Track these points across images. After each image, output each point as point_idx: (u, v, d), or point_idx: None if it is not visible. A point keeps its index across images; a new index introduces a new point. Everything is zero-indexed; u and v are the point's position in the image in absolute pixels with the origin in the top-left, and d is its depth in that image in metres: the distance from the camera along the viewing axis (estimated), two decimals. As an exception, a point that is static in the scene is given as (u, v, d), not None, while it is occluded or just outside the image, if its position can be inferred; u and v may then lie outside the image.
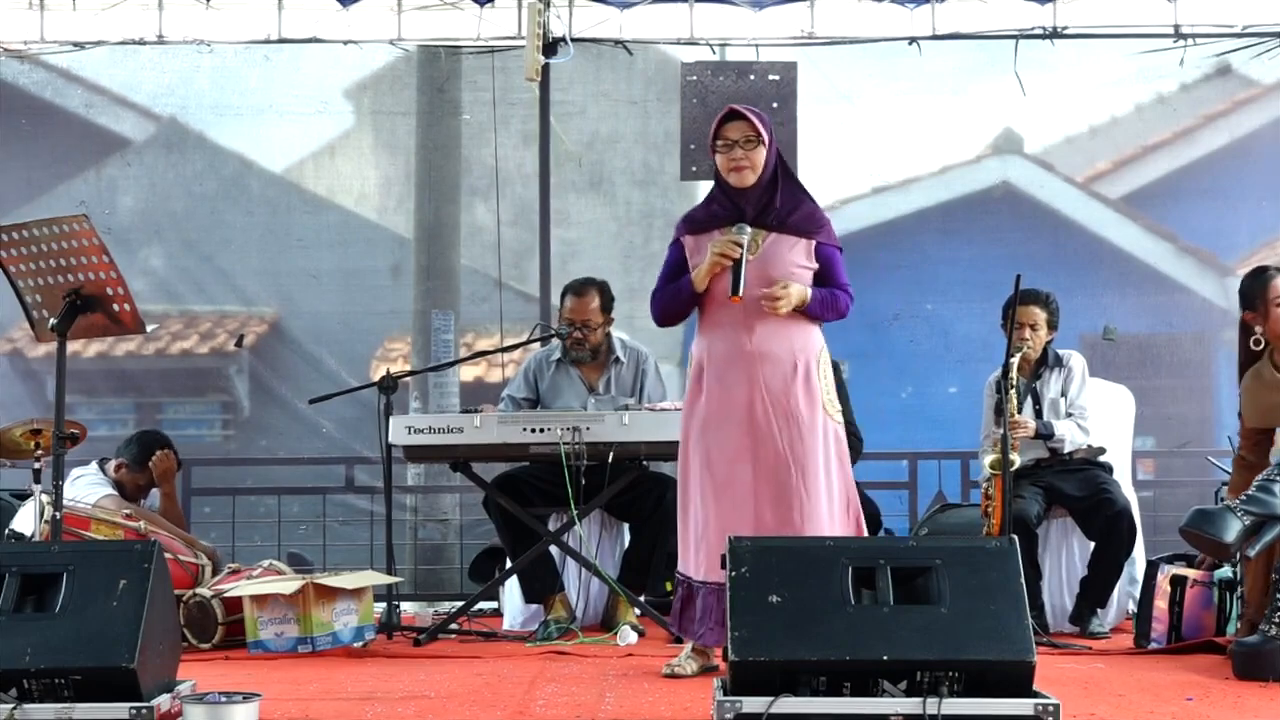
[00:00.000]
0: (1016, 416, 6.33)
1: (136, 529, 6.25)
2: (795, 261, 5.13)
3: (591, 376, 6.75)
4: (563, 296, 6.80)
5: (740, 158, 5.13)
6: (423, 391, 8.25)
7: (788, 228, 5.14)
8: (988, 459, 6.26)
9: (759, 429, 5.09)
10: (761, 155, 5.14)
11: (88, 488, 6.68)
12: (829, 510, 5.09)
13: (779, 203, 5.14)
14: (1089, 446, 6.55)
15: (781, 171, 5.21)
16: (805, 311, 5.12)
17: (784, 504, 5.05)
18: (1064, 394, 6.57)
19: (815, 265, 5.15)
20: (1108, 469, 6.59)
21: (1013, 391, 6.30)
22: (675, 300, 5.25)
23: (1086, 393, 6.60)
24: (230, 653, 5.94)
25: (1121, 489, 6.50)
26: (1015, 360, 6.38)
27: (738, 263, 5.04)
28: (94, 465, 6.83)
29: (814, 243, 5.15)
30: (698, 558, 5.19)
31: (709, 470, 5.15)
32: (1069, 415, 6.53)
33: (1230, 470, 6.11)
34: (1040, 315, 6.57)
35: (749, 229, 5.09)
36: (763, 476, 5.08)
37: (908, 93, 8.21)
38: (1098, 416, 6.65)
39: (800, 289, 5.10)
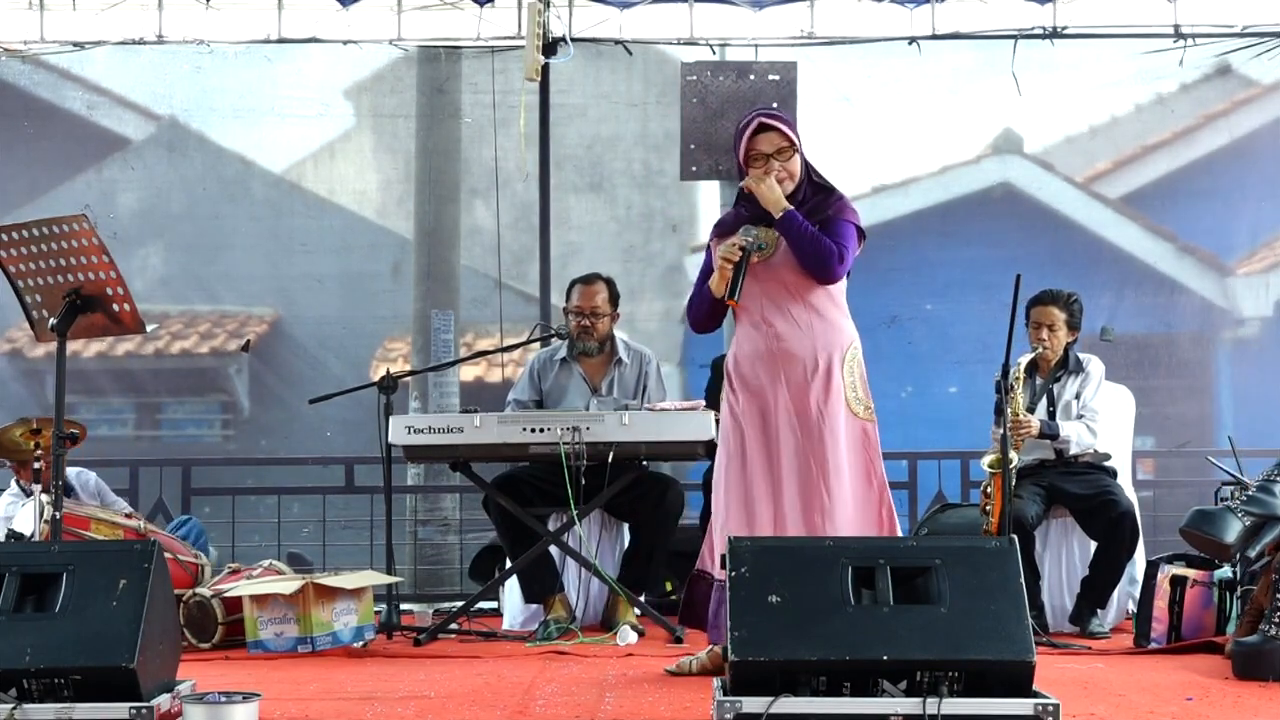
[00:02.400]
0: (1021, 415, 6.33)
1: (136, 529, 6.25)
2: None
3: (595, 377, 6.76)
4: (569, 290, 6.82)
5: (778, 170, 5.12)
6: (423, 391, 8.25)
7: (812, 218, 5.09)
8: (986, 458, 6.27)
9: (780, 429, 5.07)
10: (797, 163, 5.14)
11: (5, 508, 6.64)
12: (855, 511, 5.04)
13: (802, 197, 5.12)
14: (1095, 450, 6.54)
15: (808, 169, 5.19)
16: (783, 230, 5.02)
17: (806, 505, 5.02)
18: (1078, 397, 6.55)
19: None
20: (1111, 473, 6.59)
21: (1015, 391, 6.30)
22: (700, 306, 5.25)
23: (1101, 398, 6.59)
24: (230, 653, 5.94)
25: (1125, 492, 6.49)
26: (1023, 361, 6.39)
27: (738, 266, 5.02)
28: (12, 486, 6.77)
29: (824, 219, 5.07)
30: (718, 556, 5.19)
31: (736, 471, 5.13)
32: (1079, 417, 6.51)
33: (1230, 470, 6.12)
34: (1059, 316, 6.54)
35: (755, 231, 5.07)
36: (785, 477, 5.05)
37: (908, 93, 8.21)
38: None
39: (775, 187, 5.04)
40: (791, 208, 5.06)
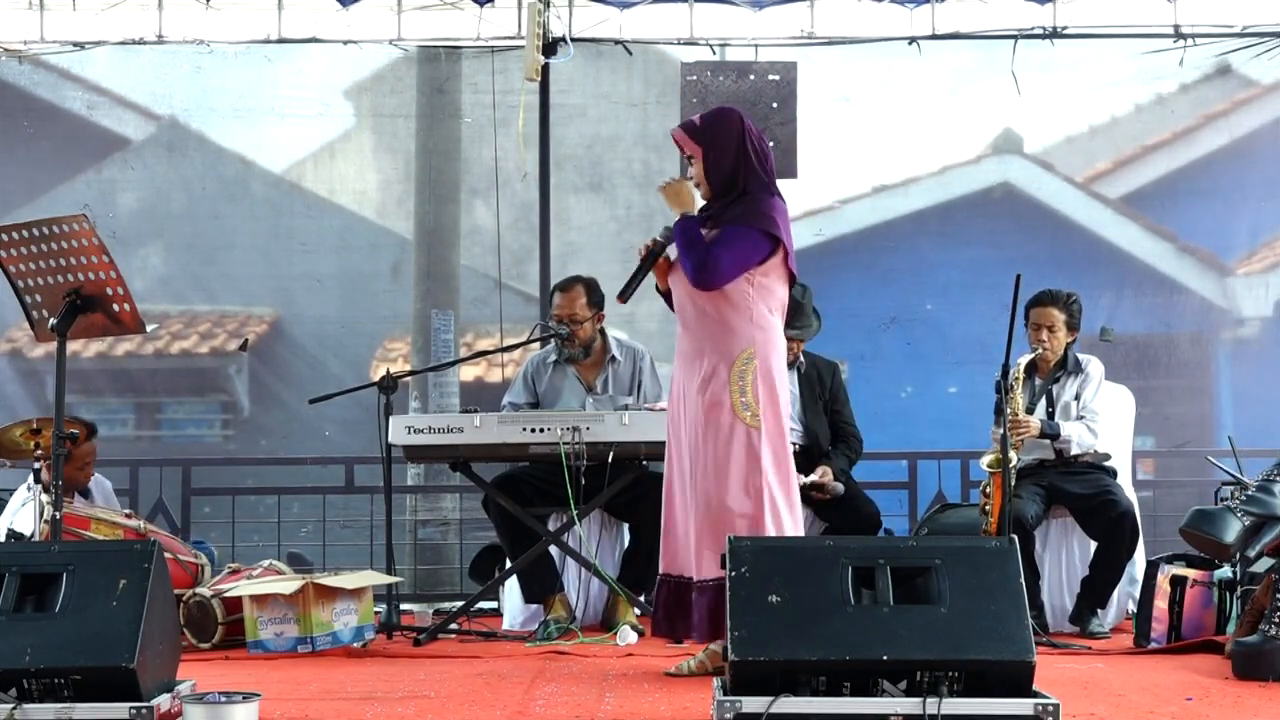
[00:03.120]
0: (1021, 415, 6.33)
1: (136, 529, 6.25)
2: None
3: (589, 376, 6.76)
4: (551, 295, 6.84)
5: (692, 175, 5.17)
6: (423, 391, 8.25)
7: (717, 225, 5.08)
8: (985, 458, 6.27)
9: (677, 431, 5.18)
10: (699, 170, 5.12)
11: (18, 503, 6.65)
12: (717, 517, 5.00)
13: (732, 210, 5.07)
14: (1095, 451, 6.54)
15: (748, 175, 5.07)
16: (675, 236, 5.08)
17: (692, 505, 5.09)
18: (1078, 398, 6.55)
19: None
20: (1111, 473, 6.59)
21: (1015, 391, 6.30)
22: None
23: (1101, 398, 6.59)
24: (230, 652, 5.94)
25: (1123, 491, 6.49)
26: (1022, 361, 6.39)
27: (641, 265, 5.12)
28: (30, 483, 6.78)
29: (721, 225, 5.05)
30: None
31: (667, 470, 5.28)
32: (1080, 418, 6.51)
33: (1230, 470, 6.11)
34: (1059, 317, 6.53)
35: (664, 229, 5.16)
36: (682, 478, 5.15)
37: (908, 93, 8.21)
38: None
39: (681, 193, 5.10)
40: (687, 213, 5.09)
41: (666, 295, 5.27)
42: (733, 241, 5.00)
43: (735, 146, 5.08)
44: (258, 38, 8.24)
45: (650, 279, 5.28)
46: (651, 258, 5.13)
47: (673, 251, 5.19)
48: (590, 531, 6.51)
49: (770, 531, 4.99)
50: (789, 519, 5.07)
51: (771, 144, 7.76)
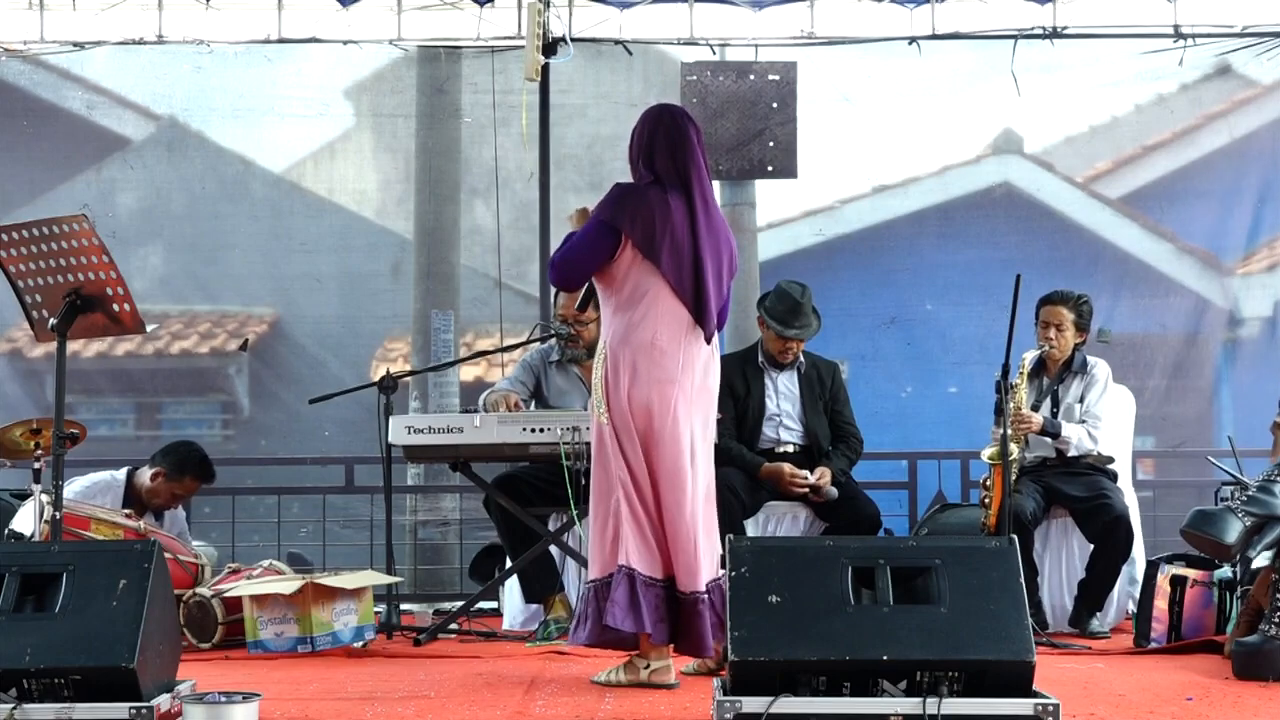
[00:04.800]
0: (1023, 411, 6.34)
1: (136, 529, 6.25)
2: None
3: (590, 377, 6.74)
4: (555, 294, 6.83)
5: None
6: (423, 391, 8.25)
7: None
8: (986, 450, 6.28)
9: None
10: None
11: (91, 486, 6.68)
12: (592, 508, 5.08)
13: None
14: (1097, 454, 6.55)
15: (631, 171, 5.16)
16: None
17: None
18: (1081, 400, 6.56)
19: None
20: (1112, 476, 6.59)
21: (1020, 386, 6.31)
22: None
23: (1105, 402, 6.59)
24: (230, 653, 5.94)
25: (1122, 495, 6.50)
26: (1029, 357, 6.40)
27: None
28: (122, 473, 6.81)
29: None
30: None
31: None
32: (1082, 422, 6.52)
33: (1230, 470, 6.11)
34: (1068, 317, 6.55)
35: None
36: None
37: (908, 93, 8.20)
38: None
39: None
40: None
41: None
42: (572, 235, 5.11)
43: (640, 142, 5.09)
44: (258, 38, 8.23)
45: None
46: None
47: None
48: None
49: (628, 535, 4.92)
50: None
51: (771, 144, 7.83)
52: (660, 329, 4.95)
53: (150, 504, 6.72)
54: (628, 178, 5.13)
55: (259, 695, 4.19)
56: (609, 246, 4.95)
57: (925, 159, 8.32)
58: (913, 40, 8.10)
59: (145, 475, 6.76)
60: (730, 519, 6.04)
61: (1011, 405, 6.07)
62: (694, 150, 5.05)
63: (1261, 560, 5.43)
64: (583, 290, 5.43)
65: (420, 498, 8.23)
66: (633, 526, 4.92)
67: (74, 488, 6.64)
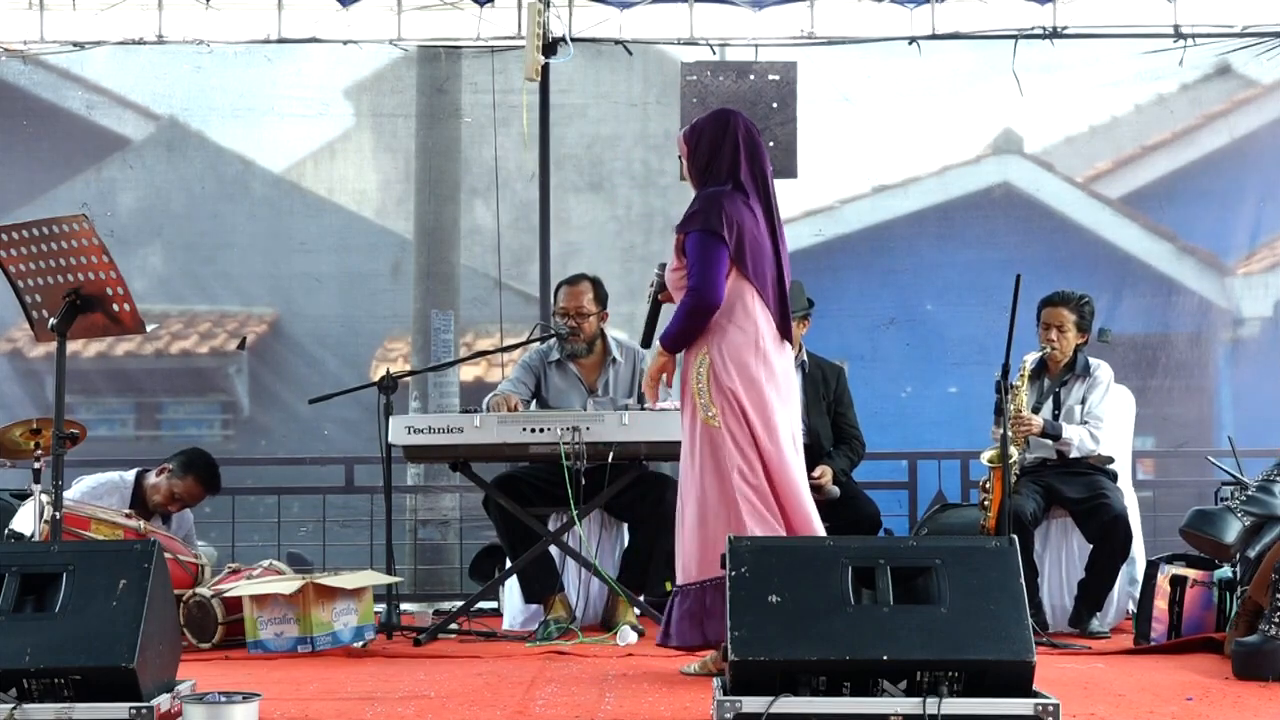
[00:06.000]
0: (1024, 413, 6.34)
1: (136, 529, 6.25)
2: (671, 267, 5.11)
3: (590, 378, 6.76)
4: (556, 292, 6.83)
5: (682, 175, 5.27)
6: (423, 391, 8.25)
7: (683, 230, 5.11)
8: (986, 453, 6.28)
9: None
10: (684, 166, 5.20)
11: (98, 486, 6.69)
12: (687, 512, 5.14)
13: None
14: (1098, 455, 6.55)
15: (714, 170, 5.09)
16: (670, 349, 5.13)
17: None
18: (1083, 402, 6.56)
19: (680, 263, 5.06)
20: (1112, 476, 6.59)
21: (1021, 388, 6.30)
22: None
23: (1106, 404, 6.59)
24: (230, 652, 5.94)
25: (1121, 495, 6.49)
26: (1030, 358, 6.39)
27: (650, 309, 5.34)
28: (131, 474, 6.82)
29: (679, 236, 5.07)
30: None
31: None
32: (1083, 423, 6.52)
33: (1230, 470, 6.11)
34: (1069, 318, 6.55)
35: (658, 266, 5.27)
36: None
37: (908, 93, 8.21)
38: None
39: (654, 365, 5.19)
40: (661, 344, 5.16)
41: None
42: (693, 253, 5.00)
43: (712, 147, 5.08)
44: (258, 38, 8.24)
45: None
46: (655, 297, 5.27)
47: None
48: (590, 531, 6.51)
49: (755, 532, 4.94)
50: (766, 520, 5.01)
51: (771, 144, 7.82)
52: (759, 332, 5.02)
53: (150, 501, 6.72)
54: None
55: (259, 695, 4.19)
56: (725, 253, 4.98)
57: (925, 159, 8.32)
58: (913, 40, 8.11)
59: (153, 473, 6.78)
60: (730, 518, 6.04)
61: (1012, 407, 6.06)
62: (766, 158, 5.15)
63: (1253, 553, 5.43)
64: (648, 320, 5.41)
65: (420, 498, 8.23)
66: (761, 527, 4.95)
67: (80, 487, 6.65)
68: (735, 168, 5.07)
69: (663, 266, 5.23)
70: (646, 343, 5.35)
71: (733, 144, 5.08)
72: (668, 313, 5.26)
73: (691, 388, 5.05)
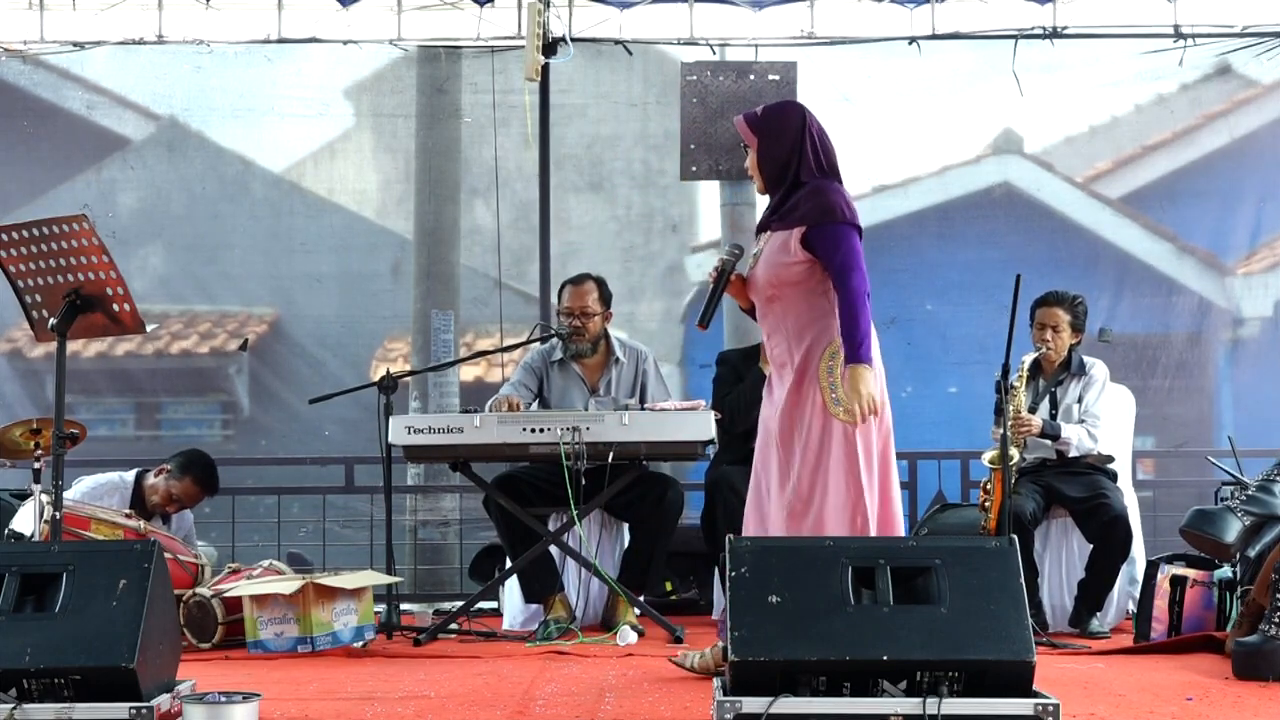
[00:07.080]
0: (1023, 414, 6.34)
1: (136, 529, 6.25)
2: (780, 261, 4.84)
3: (593, 378, 6.76)
4: (560, 291, 6.83)
5: (748, 165, 5.06)
6: (423, 391, 8.25)
7: (782, 223, 4.88)
8: (987, 454, 6.28)
9: (769, 438, 4.95)
10: (752, 158, 4.97)
11: (98, 486, 6.69)
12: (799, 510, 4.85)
13: (791, 201, 4.89)
14: (1097, 454, 6.55)
15: (801, 166, 4.90)
16: (857, 353, 4.79)
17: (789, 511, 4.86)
18: (1080, 401, 6.56)
19: (801, 257, 4.80)
20: (1112, 476, 6.59)
21: (1016, 391, 6.30)
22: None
23: (1103, 402, 6.59)
24: (230, 653, 5.94)
25: (1121, 495, 6.49)
26: (1027, 360, 6.39)
27: (714, 289, 4.94)
28: (131, 474, 6.82)
29: (799, 230, 4.82)
30: None
31: None
32: (1081, 422, 6.52)
33: (1230, 470, 6.12)
34: (1064, 318, 6.54)
35: (728, 248, 4.97)
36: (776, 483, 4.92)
37: (908, 93, 8.21)
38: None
39: (851, 382, 4.79)
40: (845, 344, 4.81)
41: (750, 311, 5.06)
42: (837, 243, 4.83)
43: (791, 140, 4.92)
44: (258, 38, 8.24)
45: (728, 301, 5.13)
46: (723, 279, 4.94)
47: (742, 268, 5.01)
48: (590, 531, 6.51)
49: (874, 532, 4.78)
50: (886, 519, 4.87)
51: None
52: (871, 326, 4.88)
53: (149, 501, 6.72)
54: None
55: (259, 695, 4.20)
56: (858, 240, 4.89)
57: (925, 159, 8.33)
58: (913, 40, 8.11)
59: (152, 474, 6.78)
60: (730, 518, 6.05)
61: (1011, 408, 6.06)
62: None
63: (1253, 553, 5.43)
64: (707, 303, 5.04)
65: (420, 498, 8.23)
66: (895, 522, 4.86)
67: (80, 487, 6.65)
68: (827, 162, 4.94)
69: (737, 248, 5.00)
70: (705, 323, 4.94)
71: (823, 138, 4.97)
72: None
73: (821, 379, 4.82)
